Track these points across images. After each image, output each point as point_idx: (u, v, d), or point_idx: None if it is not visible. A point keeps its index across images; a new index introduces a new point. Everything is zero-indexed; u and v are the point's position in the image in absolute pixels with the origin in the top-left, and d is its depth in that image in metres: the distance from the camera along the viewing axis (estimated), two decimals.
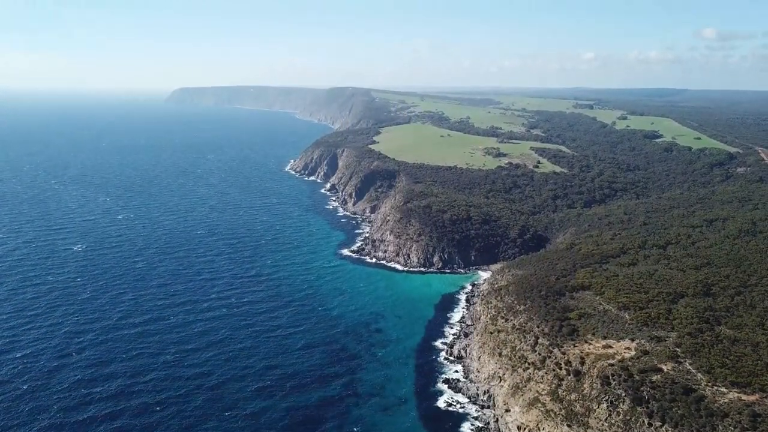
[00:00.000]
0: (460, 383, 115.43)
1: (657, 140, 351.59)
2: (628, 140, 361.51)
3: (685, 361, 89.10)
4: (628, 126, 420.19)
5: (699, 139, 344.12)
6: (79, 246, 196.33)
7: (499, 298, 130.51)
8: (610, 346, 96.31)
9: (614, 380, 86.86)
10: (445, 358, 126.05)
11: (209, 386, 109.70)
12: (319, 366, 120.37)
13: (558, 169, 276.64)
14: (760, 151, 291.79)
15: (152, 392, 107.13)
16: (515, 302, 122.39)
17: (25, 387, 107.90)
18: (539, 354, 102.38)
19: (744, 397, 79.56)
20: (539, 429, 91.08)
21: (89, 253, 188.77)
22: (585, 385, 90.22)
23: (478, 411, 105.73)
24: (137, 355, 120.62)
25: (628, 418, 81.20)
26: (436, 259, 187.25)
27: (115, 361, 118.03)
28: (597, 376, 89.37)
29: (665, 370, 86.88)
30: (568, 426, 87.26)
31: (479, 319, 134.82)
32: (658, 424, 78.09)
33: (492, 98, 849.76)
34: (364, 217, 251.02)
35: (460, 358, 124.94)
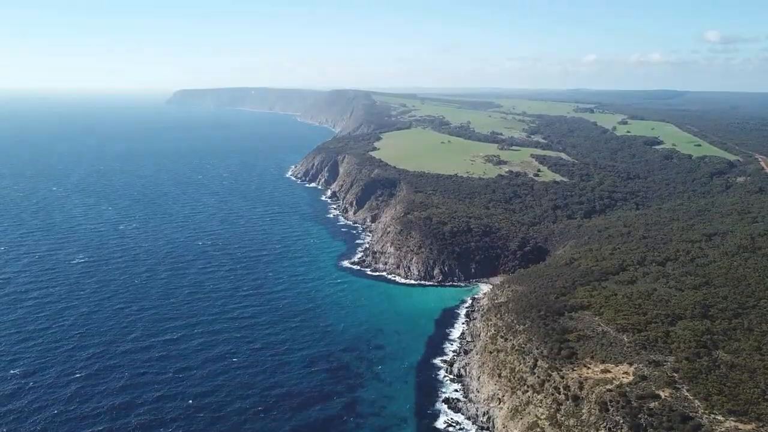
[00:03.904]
0: (460, 403, 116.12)
1: (657, 147, 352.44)
2: (628, 147, 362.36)
3: (683, 387, 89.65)
4: (628, 131, 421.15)
5: (699, 146, 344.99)
6: (83, 258, 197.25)
7: (498, 315, 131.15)
8: (609, 371, 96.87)
9: (612, 406, 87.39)
10: (445, 377, 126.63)
11: (214, 408, 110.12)
12: (320, 384, 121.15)
13: (558, 177, 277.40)
14: (760, 159, 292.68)
15: (163, 418, 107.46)
16: (515, 321, 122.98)
17: (32, 406, 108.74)
18: (538, 377, 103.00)
19: (741, 426, 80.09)
20: None
21: (95, 267, 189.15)
22: (583, 411, 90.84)
23: None
24: (143, 374, 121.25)
25: None
26: (436, 271, 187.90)
27: (119, 380, 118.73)
28: (595, 402, 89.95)
29: (663, 396, 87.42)
30: None
31: (479, 336, 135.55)
32: None
33: (493, 101, 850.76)
34: (364, 226, 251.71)
35: (459, 377, 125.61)
